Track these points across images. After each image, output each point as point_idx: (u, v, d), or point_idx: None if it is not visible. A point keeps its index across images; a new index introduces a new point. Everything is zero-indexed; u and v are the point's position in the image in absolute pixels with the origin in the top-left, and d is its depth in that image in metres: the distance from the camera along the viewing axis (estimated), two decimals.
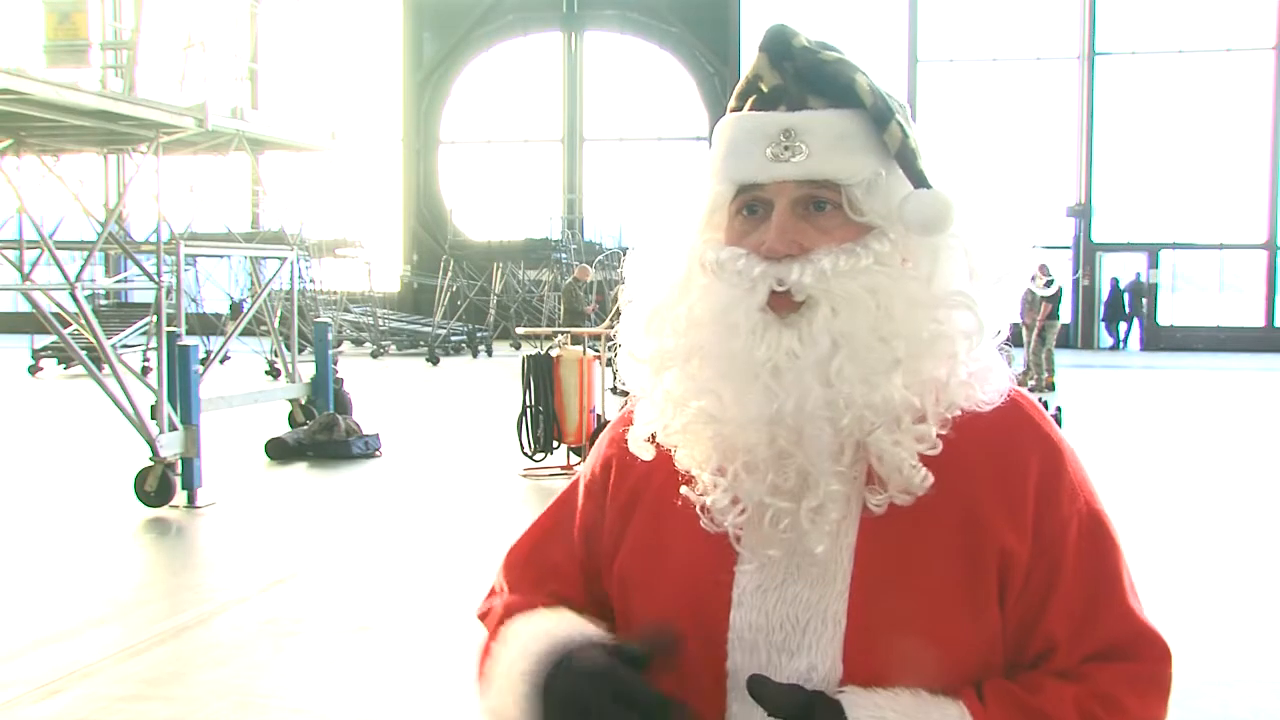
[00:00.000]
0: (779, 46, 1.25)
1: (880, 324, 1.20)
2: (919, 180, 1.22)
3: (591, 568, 1.38)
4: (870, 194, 1.23)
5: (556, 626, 1.27)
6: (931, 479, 1.20)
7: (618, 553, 1.34)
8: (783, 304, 1.21)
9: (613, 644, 1.22)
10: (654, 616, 1.27)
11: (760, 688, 1.17)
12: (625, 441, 1.36)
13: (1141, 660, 1.24)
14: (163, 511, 7.99)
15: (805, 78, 1.25)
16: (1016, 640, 1.24)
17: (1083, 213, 27.56)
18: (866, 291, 1.20)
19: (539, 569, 1.42)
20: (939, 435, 1.21)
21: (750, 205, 1.26)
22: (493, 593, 1.47)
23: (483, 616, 1.44)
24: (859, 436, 1.20)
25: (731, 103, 1.31)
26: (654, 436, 1.32)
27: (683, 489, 1.27)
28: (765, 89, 1.26)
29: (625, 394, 1.41)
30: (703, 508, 1.25)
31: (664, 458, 1.31)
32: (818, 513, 1.20)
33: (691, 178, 1.32)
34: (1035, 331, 16.17)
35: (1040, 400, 12.10)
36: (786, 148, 1.22)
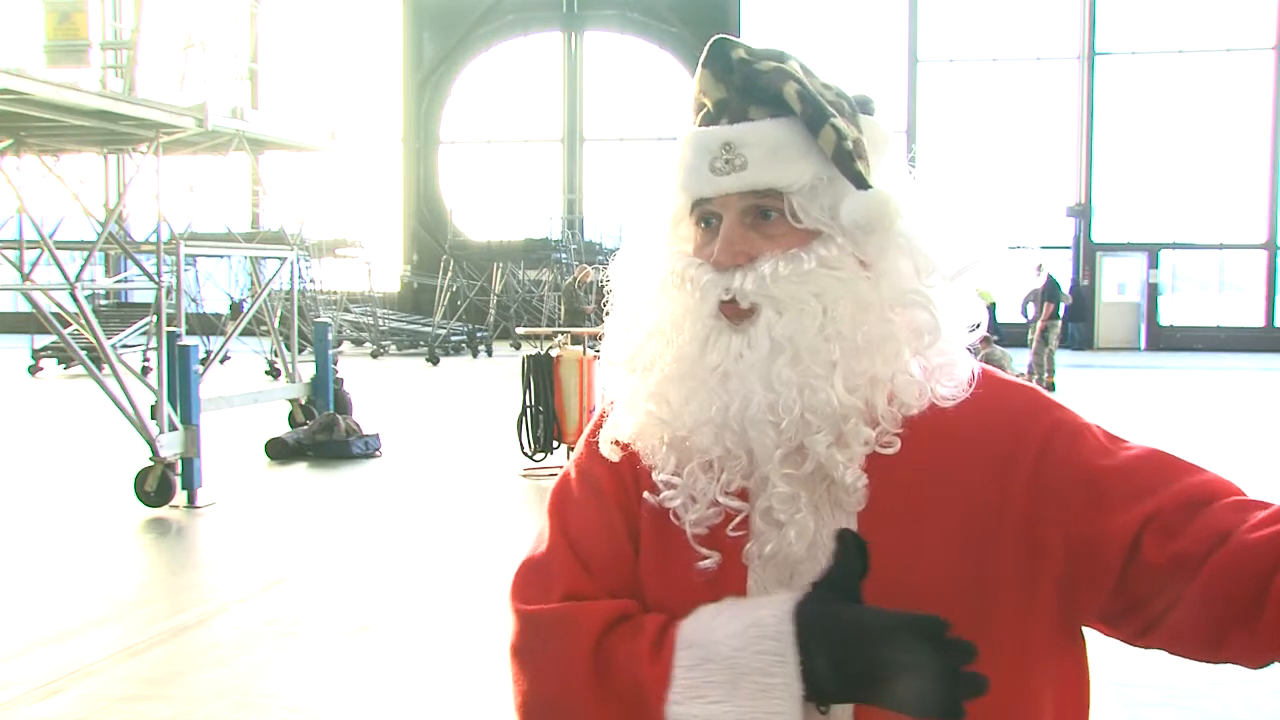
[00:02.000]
0: (720, 61, 1.28)
1: (825, 327, 1.23)
2: (858, 182, 1.23)
3: (635, 544, 1.32)
4: (812, 199, 1.25)
5: (761, 606, 1.19)
6: (865, 480, 1.22)
7: (638, 549, 1.33)
8: (733, 312, 1.25)
9: (822, 582, 1.17)
10: (669, 612, 1.27)
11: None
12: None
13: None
14: (163, 511, 7.99)
15: (745, 90, 1.27)
16: (1100, 550, 1.20)
17: (1083, 213, 27.56)
18: (811, 295, 1.23)
19: (592, 566, 1.31)
20: (915, 424, 1.24)
21: (705, 217, 1.30)
22: (538, 583, 1.31)
23: (549, 616, 1.27)
24: (801, 439, 1.22)
25: (689, 117, 1.34)
26: (618, 440, 1.33)
27: (645, 495, 1.30)
28: (710, 104, 1.30)
29: None
30: (671, 511, 1.27)
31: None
32: (769, 514, 1.23)
33: (659, 187, 1.36)
34: (1038, 331, 16.19)
35: None
36: (727, 161, 1.26)
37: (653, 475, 1.29)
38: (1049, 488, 1.23)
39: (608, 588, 1.30)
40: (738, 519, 1.25)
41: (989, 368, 1.33)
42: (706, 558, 1.25)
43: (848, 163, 1.23)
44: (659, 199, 1.36)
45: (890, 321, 1.24)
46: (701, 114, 1.31)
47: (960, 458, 1.25)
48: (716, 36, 1.30)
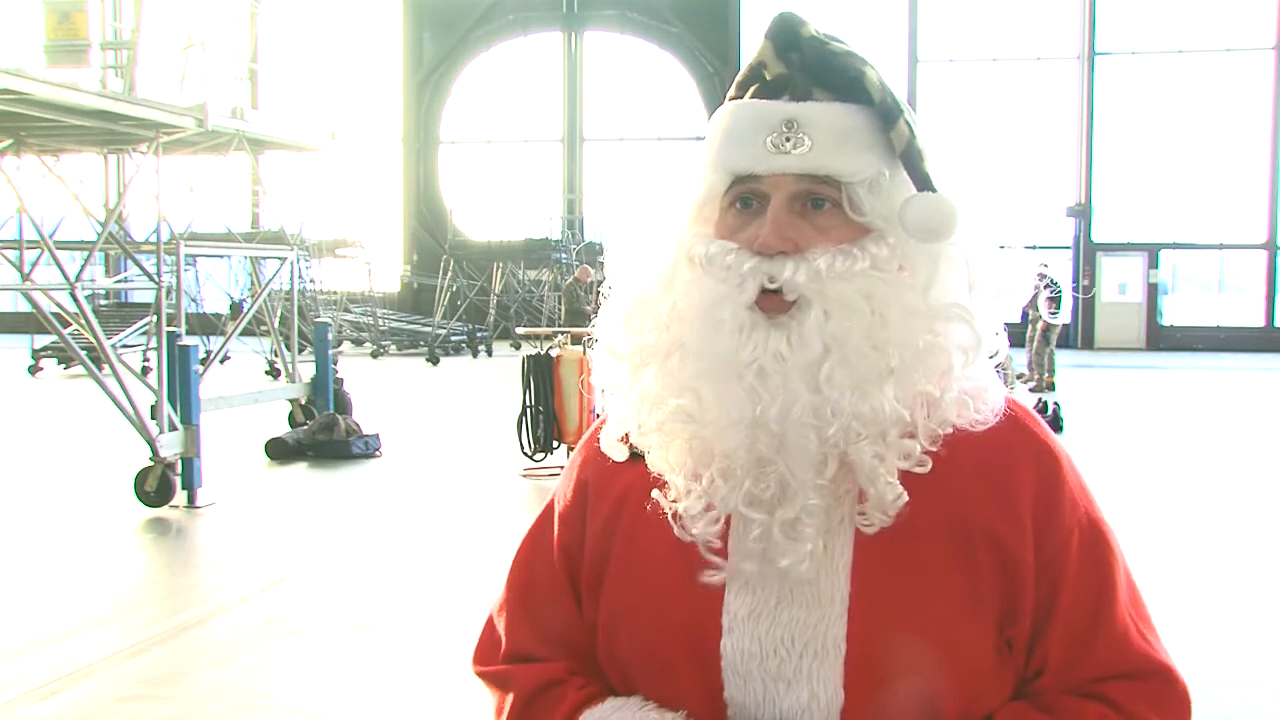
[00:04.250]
0: (786, 35, 1.19)
1: (874, 331, 1.14)
2: (923, 183, 1.16)
3: (577, 594, 1.32)
4: (872, 194, 1.17)
5: None
6: (905, 497, 1.14)
7: (603, 580, 1.27)
8: (773, 304, 1.15)
9: None
10: (642, 645, 1.22)
11: None
12: (601, 459, 1.30)
13: (1149, 680, 1.20)
14: (163, 511, 7.99)
15: (811, 69, 1.19)
16: (1023, 654, 1.20)
17: (1083, 213, 27.56)
18: (861, 296, 1.14)
19: (534, 616, 1.34)
20: (930, 452, 1.17)
21: (745, 198, 1.19)
22: (490, 639, 1.39)
23: (491, 679, 1.36)
24: (844, 447, 1.14)
25: (731, 91, 1.25)
26: (627, 437, 1.25)
27: (654, 493, 1.21)
28: (769, 78, 1.20)
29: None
30: (674, 515, 1.19)
31: (639, 478, 1.25)
32: (792, 526, 1.14)
33: (682, 169, 1.26)
34: (1039, 331, 16.21)
35: (1040, 401, 12.05)
36: (788, 139, 1.16)
37: (667, 476, 1.21)
38: (1042, 567, 1.19)
39: (552, 641, 1.31)
40: (758, 530, 1.16)
41: (1013, 400, 1.26)
42: (703, 569, 1.19)
43: (917, 162, 1.17)
44: (682, 179, 1.25)
45: (936, 334, 1.17)
46: (754, 87, 1.21)
47: (972, 482, 1.19)
48: (784, 10, 1.21)
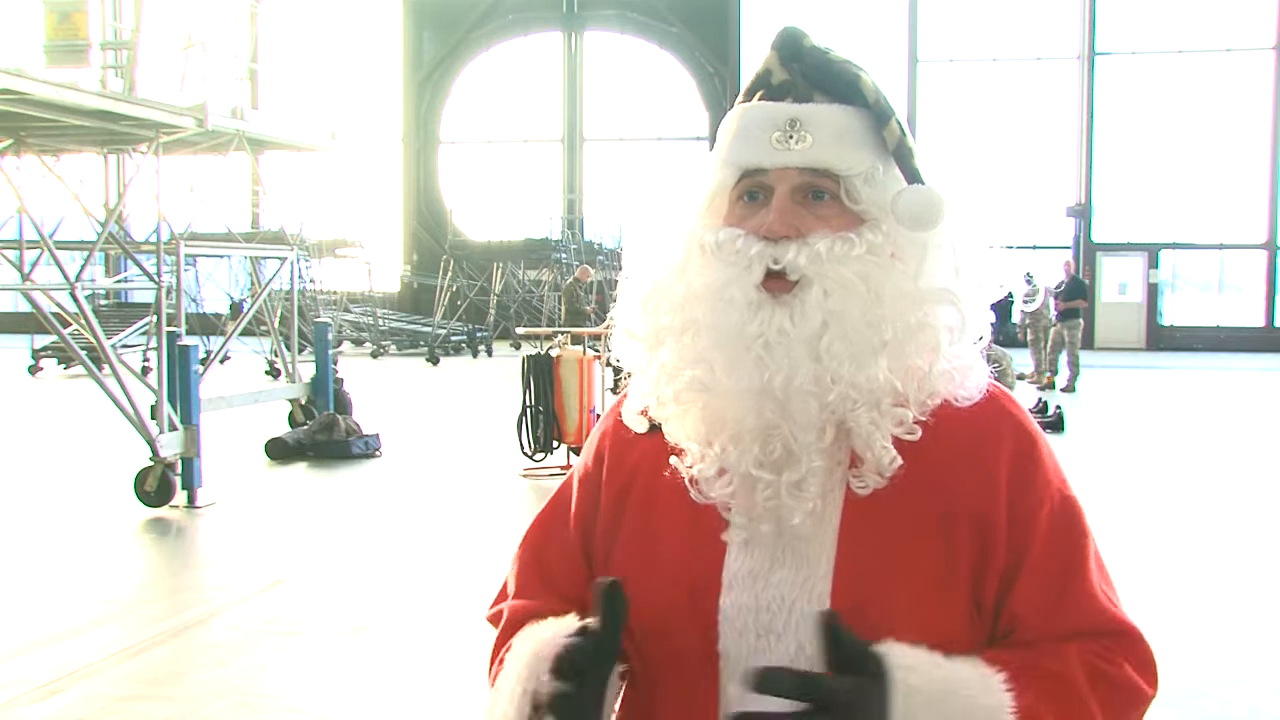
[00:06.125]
0: (790, 46, 1.32)
1: (869, 309, 1.25)
2: (913, 177, 1.28)
3: (590, 558, 1.42)
4: (867, 186, 1.28)
5: (544, 634, 1.28)
6: (900, 460, 1.24)
7: (615, 544, 1.38)
8: (777, 284, 1.26)
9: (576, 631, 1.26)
10: (650, 604, 1.30)
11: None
12: (618, 432, 1.42)
13: (1118, 638, 1.28)
14: (163, 511, 7.99)
15: (812, 75, 1.31)
16: (990, 616, 1.29)
17: (1083, 213, 27.56)
18: (858, 277, 1.25)
19: (544, 569, 1.45)
20: (919, 422, 1.27)
21: (751, 191, 1.31)
22: (502, 595, 1.50)
23: (492, 620, 1.47)
24: (841, 414, 1.24)
25: (740, 96, 1.37)
26: (647, 410, 1.36)
27: (672, 459, 1.32)
28: (774, 83, 1.33)
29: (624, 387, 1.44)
30: (691, 480, 1.30)
31: (655, 449, 1.35)
32: (798, 486, 1.24)
33: (693, 168, 1.38)
34: (1043, 332, 16.17)
35: (1039, 401, 12.02)
36: (791, 136, 1.28)
37: (682, 443, 1.31)
38: (1013, 530, 1.27)
39: (558, 593, 1.40)
40: (768, 490, 1.25)
41: (995, 383, 1.36)
42: (714, 531, 1.29)
43: (907, 158, 1.29)
44: (693, 176, 1.37)
45: (925, 314, 1.27)
46: (761, 92, 1.33)
47: (953, 454, 1.28)
48: (788, 25, 1.34)
